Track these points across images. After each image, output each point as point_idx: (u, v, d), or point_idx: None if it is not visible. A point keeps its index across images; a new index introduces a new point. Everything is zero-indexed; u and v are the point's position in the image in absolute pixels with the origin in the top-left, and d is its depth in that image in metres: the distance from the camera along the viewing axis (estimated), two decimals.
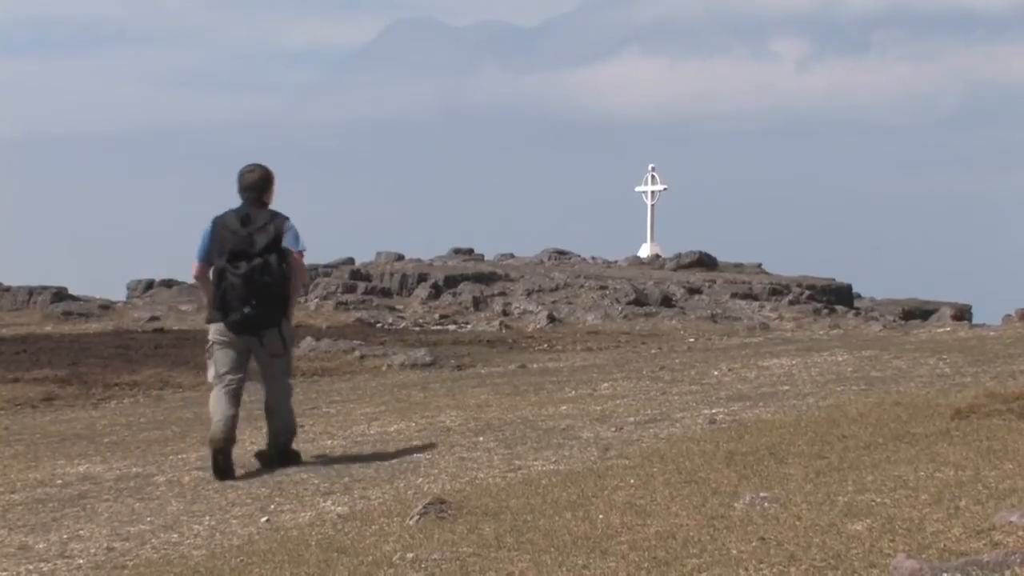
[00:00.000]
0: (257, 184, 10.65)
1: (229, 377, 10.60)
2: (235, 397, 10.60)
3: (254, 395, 17.22)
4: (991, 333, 17.97)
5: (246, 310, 10.38)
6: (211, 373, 10.72)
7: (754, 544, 6.31)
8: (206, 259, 10.62)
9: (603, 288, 31.36)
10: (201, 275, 10.74)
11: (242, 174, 10.69)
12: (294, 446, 11.00)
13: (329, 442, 11.90)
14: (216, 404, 10.55)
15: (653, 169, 41.25)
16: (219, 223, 10.57)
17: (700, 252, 38.61)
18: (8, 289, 32.61)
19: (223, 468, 10.39)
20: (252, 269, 10.36)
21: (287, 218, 10.60)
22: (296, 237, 10.55)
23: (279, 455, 10.76)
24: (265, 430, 10.86)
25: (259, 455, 10.88)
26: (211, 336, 10.65)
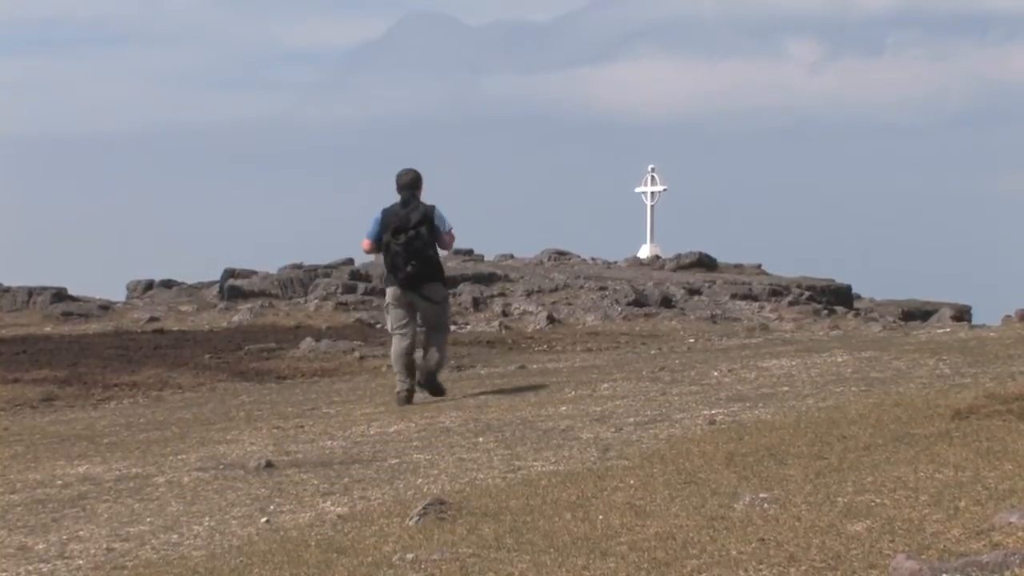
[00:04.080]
0: (412, 182, 13.92)
1: (401, 325, 13.96)
2: (408, 338, 13.98)
3: (253, 395, 17.23)
4: (991, 334, 17.93)
5: (408, 268, 13.72)
6: (389, 324, 14.23)
7: (754, 545, 6.31)
8: (375, 239, 13.94)
9: (603, 289, 31.32)
10: (370, 250, 14.18)
11: (400, 175, 13.92)
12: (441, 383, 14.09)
13: (329, 443, 11.90)
14: (394, 347, 14.03)
15: (653, 170, 41.19)
16: (387, 211, 13.83)
17: (700, 253, 38.52)
18: (8, 290, 32.53)
19: (411, 392, 13.81)
20: (409, 238, 13.68)
21: (434, 205, 13.84)
22: (443, 219, 13.84)
23: (427, 383, 13.83)
24: (269, 429, 10.83)
25: (414, 388, 13.89)
26: (387, 299, 14.16)
